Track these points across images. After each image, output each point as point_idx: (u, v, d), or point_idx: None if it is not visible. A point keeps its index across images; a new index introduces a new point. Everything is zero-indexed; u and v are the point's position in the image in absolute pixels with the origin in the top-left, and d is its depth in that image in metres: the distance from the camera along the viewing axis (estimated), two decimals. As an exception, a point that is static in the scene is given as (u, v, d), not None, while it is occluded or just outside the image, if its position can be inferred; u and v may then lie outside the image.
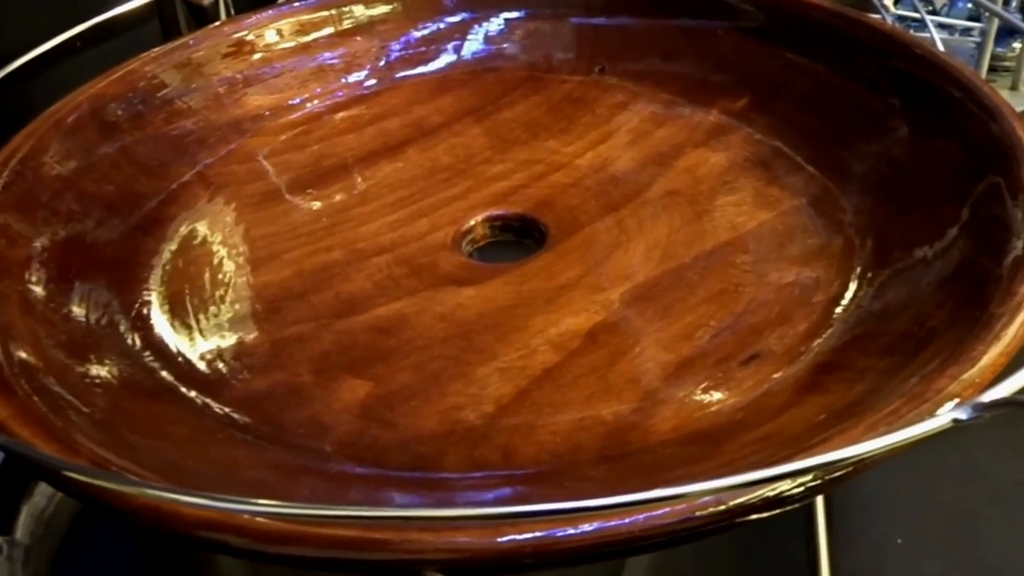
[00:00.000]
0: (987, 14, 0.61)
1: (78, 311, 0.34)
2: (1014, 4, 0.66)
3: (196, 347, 0.34)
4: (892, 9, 0.57)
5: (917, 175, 0.36)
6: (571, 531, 0.21)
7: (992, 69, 0.65)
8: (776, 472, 0.21)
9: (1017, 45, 0.66)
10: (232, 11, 0.54)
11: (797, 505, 0.23)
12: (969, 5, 0.70)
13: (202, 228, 0.40)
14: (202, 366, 0.33)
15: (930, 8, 0.72)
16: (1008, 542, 0.37)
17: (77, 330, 0.33)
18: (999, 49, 0.66)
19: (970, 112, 0.35)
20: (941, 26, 0.69)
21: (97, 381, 0.31)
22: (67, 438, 0.26)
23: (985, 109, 0.35)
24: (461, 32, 0.50)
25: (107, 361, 0.32)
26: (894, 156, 0.38)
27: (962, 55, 0.66)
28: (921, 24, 0.56)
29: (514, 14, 0.50)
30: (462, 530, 0.22)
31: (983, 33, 0.61)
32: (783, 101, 0.43)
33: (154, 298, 0.36)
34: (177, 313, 0.35)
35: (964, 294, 0.30)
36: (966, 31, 0.69)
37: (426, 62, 0.49)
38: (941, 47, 0.40)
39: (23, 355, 0.30)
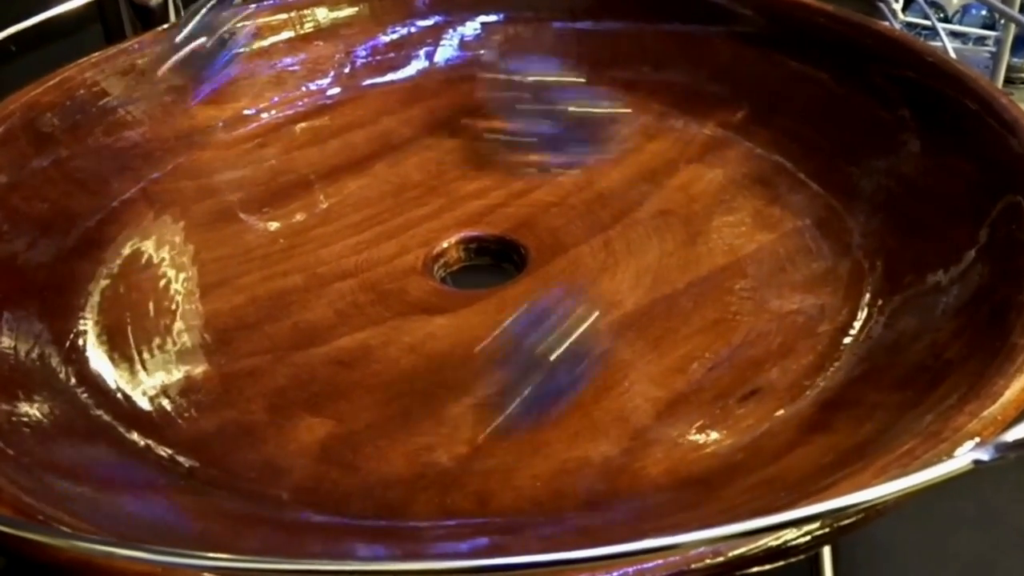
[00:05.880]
0: (1003, 21, 0.62)
1: (6, 342, 0.33)
2: (1032, 10, 0.67)
3: (137, 382, 0.34)
4: (901, 15, 0.58)
5: (930, 194, 0.36)
6: (553, 586, 0.21)
7: (1008, 81, 0.66)
8: (779, 520, 0.21)
9: (1035, 55, 0.67)
10: (181, 12, 0.54)
11: (802, 556, 0.23)
12: (983, 12, 0.70)
13: (146, 250, 0.39)
14: (144, 404, 0.33)
15: (941, 15, 0.73)
16: (1029, 594, 0.37)
17: (3, 363, 0.33)
18: (1016, 59, 0.66)
19: (987, 126, 0.35)
20: (953, 34, 0.70)
21: (25, 420, 0.30)
22: (-11, 484, 0.25)
23: (1003, 123, 0.35)
24: (434, 37, 0.50)
25: (37, 398, 0.32)
26: (905, 173, 0.38)
27: (976, 65, 0.66)
28: (932, 32, 0.57)
29: (492, 18, 0.50)
30: (431, 585, 0.21)
31: (998, 42, 0.62)
32: (785, 113, 0.43)
33: (91, 328, 0.36)
34: (116, 344, 0.35)
35: (983, 323, 0.30)
36: (980, 40, 0.70)
37: (395, 69, 0.49)
38: (954, 56, 0.41)
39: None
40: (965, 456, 0.22)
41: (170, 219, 0.41)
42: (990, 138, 0.35)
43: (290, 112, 0.47)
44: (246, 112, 0.46)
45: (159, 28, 0.46)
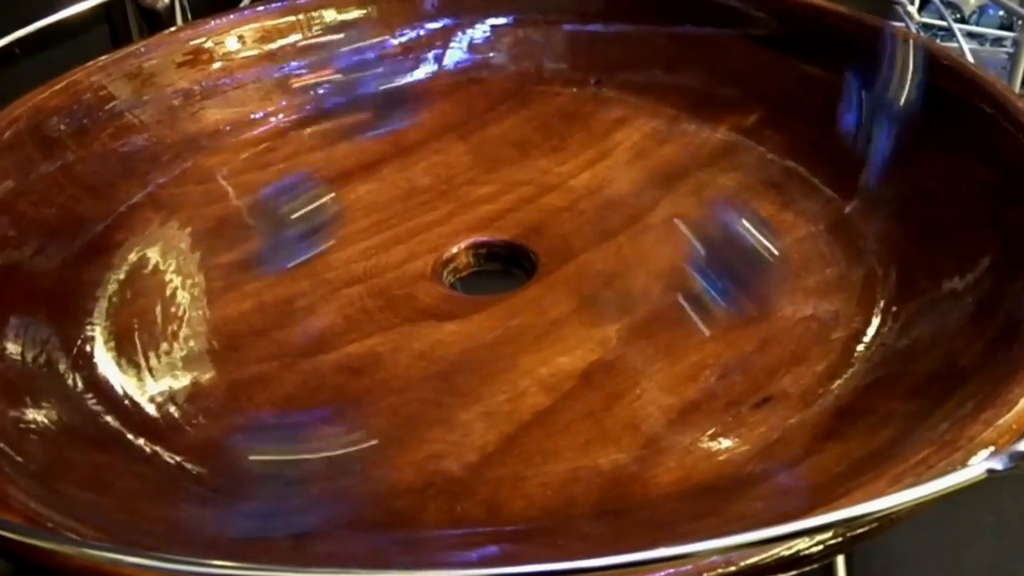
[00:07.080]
0: (1020, 22, 0.62)
1: (13, 348, 0.34)
2: (1049, 12, 0.67)
3: (145, 389, 0.34)
4: (916, 17, 0.58)
5: (945, 199, 0.36)
6: (563, 595, 0.21)
7: (1026, 83, 0.66)
8: (792, 529, 0.21)
9: (1053, 56, 0.67)
10: (189, 15, 0.54)
11: (815, 566, 0.23)
12: (1001, 12, 0.70)
13: (153, 256, 0.39)
14: (151, 410, 0.33)
15: (958, 16, 0.73)
16: (1049, 606, 0.37)
17: (11, 370, 0.33)
18: (1034, 61, 0.66)
19: (1003, 130, 0.35)
20: (970, 35, 0.70)
21: (33, 427, 0.31)
22: (-2, 491, 0.26)
23: (1019, 127, 0.35)
24: (443, 39, 0.50)
25: (45, 404, 0.32)
26: (919, 178, 0.38)
27: (993, 67, 0.66)
28: (948, 33, 0.57)
29: (501, 20, 0.50)
30: (441, 594, 0.22)
31: (1016, 43, 0.62)
32: (798, 117, 0.43)
33: (98, 334, 0.36)
34: (124, 351, 0.35)
35: (998, 330, 0.30)
36: (997, 41, 0.70)
37: (403, 72, 0.49)
38: (970, 58, 0.41)
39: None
40: (980, 465, 0.22)
41: (177, 224, 0.41)
42: (1006, 142, 0.35)
43: (297, 117, 0.47)
44: (254, 116, 0.46)
45: (166, 31, 0.47)
